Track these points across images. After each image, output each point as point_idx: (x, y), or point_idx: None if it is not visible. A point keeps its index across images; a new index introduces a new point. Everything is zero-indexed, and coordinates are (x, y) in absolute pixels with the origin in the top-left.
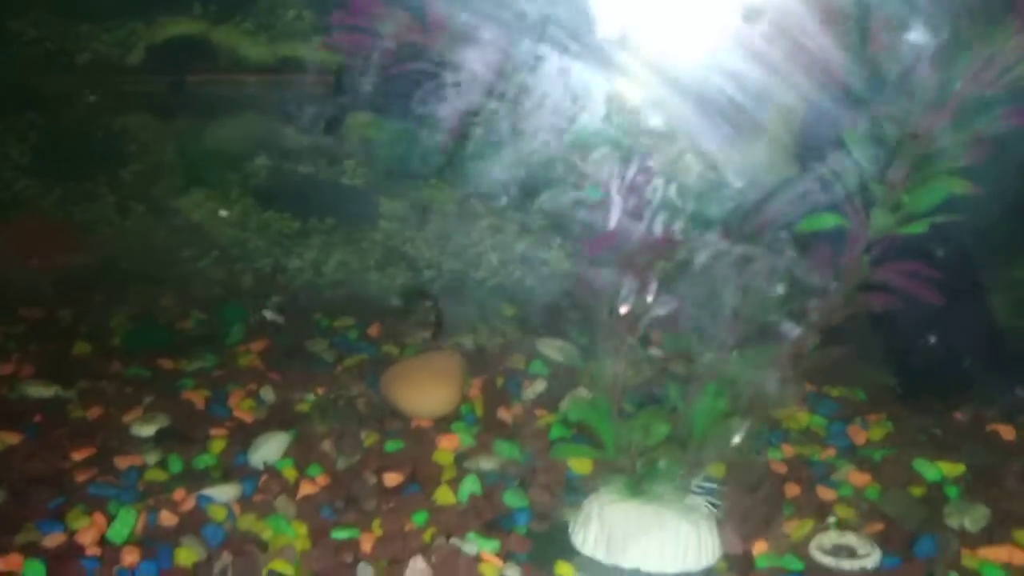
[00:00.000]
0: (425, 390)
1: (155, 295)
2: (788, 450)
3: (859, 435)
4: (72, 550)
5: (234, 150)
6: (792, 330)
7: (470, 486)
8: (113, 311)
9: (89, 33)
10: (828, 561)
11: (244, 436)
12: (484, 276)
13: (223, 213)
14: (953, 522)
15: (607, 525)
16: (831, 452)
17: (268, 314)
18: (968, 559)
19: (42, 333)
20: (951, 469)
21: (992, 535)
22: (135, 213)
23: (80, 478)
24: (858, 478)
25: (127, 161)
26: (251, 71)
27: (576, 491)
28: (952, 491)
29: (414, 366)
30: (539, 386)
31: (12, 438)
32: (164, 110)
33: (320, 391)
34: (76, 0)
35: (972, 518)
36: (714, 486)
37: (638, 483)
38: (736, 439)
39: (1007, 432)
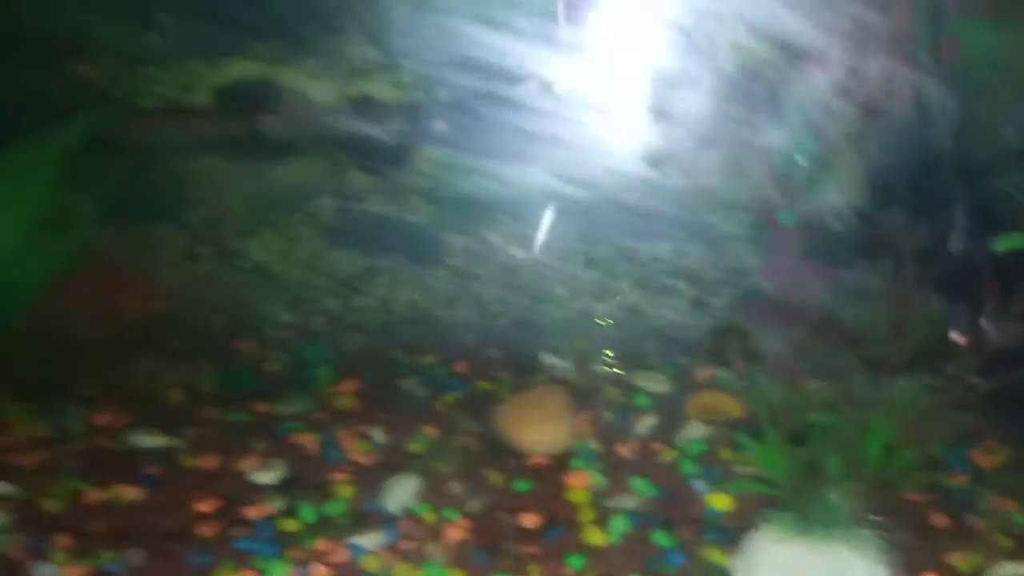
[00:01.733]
0: (541, 426)
1: (231, 338)
2: (917, 477)
3: (984, 459)
4: None
5: (300, 190)
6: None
7: (621, 525)
8: (193, 356)
9: (151, 75)
10: None
11: (369, 480)
12: (551, 309)
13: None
14: None
15: (779, 567)
16: (962, 478)
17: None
18: None
19: (128, 381)
20: None
21: None
22: (203, 257)
23: (208, 532)
24: (1001, 503)
25: (193, 206)
26: (317, 111)
27: (719, 529)
28: None
29: (526, 402)
30: (648, 419)
31: (132, 492)
32: (232, 152)
33: (428, 430)
34: (131, 43)
35: None
36: (879, 519)
37: (806, 519)
38: None
39: None
